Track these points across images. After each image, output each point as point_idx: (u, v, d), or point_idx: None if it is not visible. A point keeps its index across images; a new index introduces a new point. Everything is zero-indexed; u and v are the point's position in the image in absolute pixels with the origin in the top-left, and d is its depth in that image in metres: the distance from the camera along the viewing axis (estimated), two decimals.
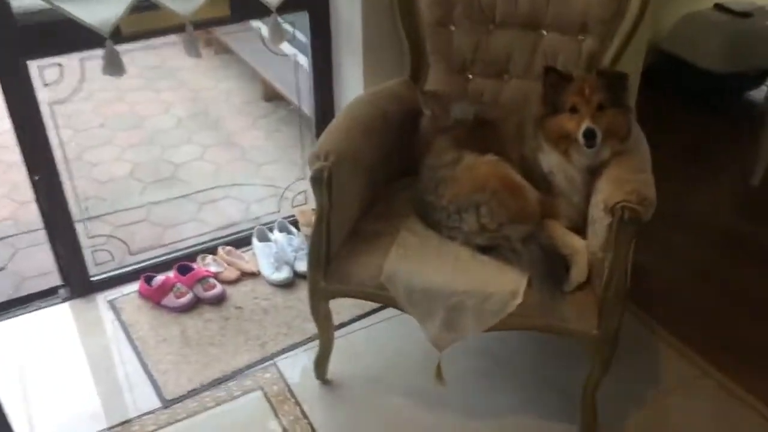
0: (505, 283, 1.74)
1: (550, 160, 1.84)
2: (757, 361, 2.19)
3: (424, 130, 2.15)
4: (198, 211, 2.99)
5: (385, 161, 2.05)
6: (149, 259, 2.52)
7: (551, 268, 1.72)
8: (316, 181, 1.77)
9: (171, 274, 2.39)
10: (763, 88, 3.79)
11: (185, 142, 3.68)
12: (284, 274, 2.42)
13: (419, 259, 1.82)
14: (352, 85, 2.41)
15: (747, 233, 2.75)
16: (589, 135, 1.72)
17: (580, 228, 1.84)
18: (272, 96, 4.02)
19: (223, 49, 4.55)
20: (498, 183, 1.80)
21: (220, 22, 2.23)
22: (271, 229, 2.61)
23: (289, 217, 2.71)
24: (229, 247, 2.55)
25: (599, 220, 1.69)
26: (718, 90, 3.72)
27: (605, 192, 1.69)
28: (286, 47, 2.57)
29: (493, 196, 1.79)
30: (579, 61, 2.11)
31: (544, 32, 2.16)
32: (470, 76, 2.24)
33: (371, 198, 2.04)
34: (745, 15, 3.62)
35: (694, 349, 2.21)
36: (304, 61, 2.62)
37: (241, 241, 2.63)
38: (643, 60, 2.51)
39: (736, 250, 2.67)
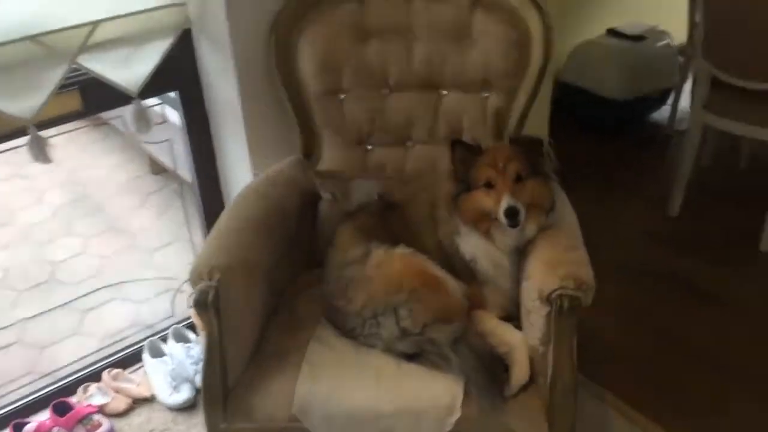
0: (439, 395, 1.49)
1: (470, 244, 1.62)
2: (684, 406, 2.05)
3: (324, 218, 1.90)
4: (80, 322, 2.60)
5: (286, 260, 1.78)
6: (20, 400, 2.11)
7: (488, 374, 1.48)
8: (200, 305, 1.48)
9: (46, 416, 2.01)
10: (666, 107, 3.75)
11: (64, 234, 3.27)
12: (184, 394, 2.07)
13: (336, 377, 1.55)
14: (239, 168, 2.13)
15: (674, 270, 2.63)
16: (511, 213, 1.51)
17: (513, 316, 1.63)
18: (160, 168, 3.66)
19: (101, 120, 4.16)
20: (415, 280, 1.56)
21: (72, 117, 1.90)
22: (164, 339, 2.27)
23: (185, 320, 2.37)
24: (115, 370, 2.18)
25: (535, 311, 1.47)
26: (622, 116, 3.66)
27: (538, 278, 1.48)
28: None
29: (411, 295, 1.54)
30: (485, 120, 1.92)
31: (444, 92, 1.95)
32: (369, 148, 2.00)
33: (274, 304, 1.76)
34: (639, 38, 3.59)
35: (640, 409, 2.04)
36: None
37: (131, 358, 2.26)
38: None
39: (667, 289, 2.54)
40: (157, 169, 3.69)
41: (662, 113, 3.81)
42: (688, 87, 3.58)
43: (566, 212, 1.69)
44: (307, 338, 1.64)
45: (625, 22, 3.69)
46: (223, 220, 1.70)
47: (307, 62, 1.91)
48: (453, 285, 1.59)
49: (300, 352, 1.60)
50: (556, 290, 1.42)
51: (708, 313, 2.40)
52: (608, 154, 3.52)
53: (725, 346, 2.26)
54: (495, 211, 1.54)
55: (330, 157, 1.99)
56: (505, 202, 1.52)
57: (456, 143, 1.61)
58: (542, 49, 1.84)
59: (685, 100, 3.63)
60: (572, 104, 3.67)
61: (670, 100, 3.72)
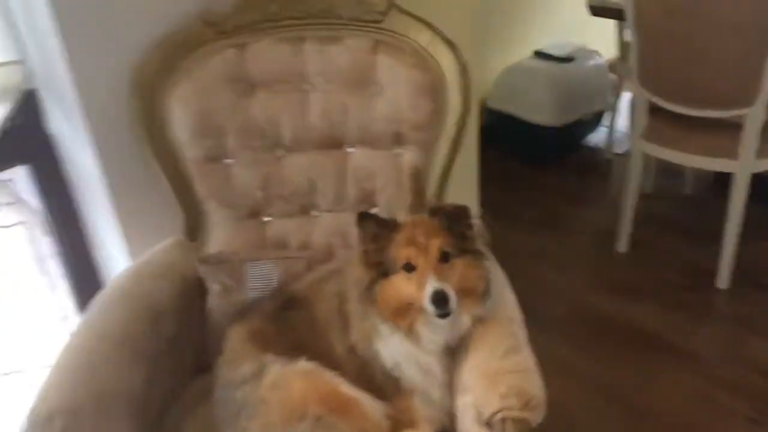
0: None
1: (392, 348, 1.30)
2: None
3: (214, 313, 1.54)
4: None
5: (164, 374, 1.43)
6: None
7: None
8: None
9: None
10: (602, 129, 3.54)
11: None
12: None
13: None
14: (116, 254, 1.76)
15: (628, 318, 2.36)
16: (439, 298, 1.20)
17: (448, 429, 1.31)
18: None
19: None
20: (320, 405, 1.23)
21: None
22: None
23: None
24: None
25: None
26: (556, 143, 3.42)
27: (475, 394, 1.18)
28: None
29: (317, 423, 1.21)
30: (401, 181, 1.61)
31: (351, 149, 1.64)
32: (266, 220, 1.67)
33: None
34: (567, 59, 3.37)
35: None
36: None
37: None
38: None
39: (622, 342, 2.27)
40: None
41: (598, 135, 3.59)
42: (622, 105, 3.38)
43: (505, 296, 1.39)
44: None
45: (553, 43, 3.47)
46: (75, 337, 1.33)
47: (181, 125, 1.57)
48: (370, 405, 1.26)
49: None
50: (497, 412, 1.11)
51: (667, 366, 2.14)
52: (547, 185, 3.27)
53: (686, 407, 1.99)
54: (419, 300, 1.23)
55: (219, 235, 1.64)
56: (430, 286, 1.20)
57: (364, 217, 1.29)
58: (460, 95, 1.54)
59: (620, 121, 3.43)
60: (503, 132, 3.41)
61: (605, 122, 3.51)
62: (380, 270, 1.28)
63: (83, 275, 1.84)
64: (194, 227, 1.65)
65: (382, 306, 1.27)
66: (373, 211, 1.63)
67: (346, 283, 1.36)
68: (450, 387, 1.29)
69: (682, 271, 2.55)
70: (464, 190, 2.20)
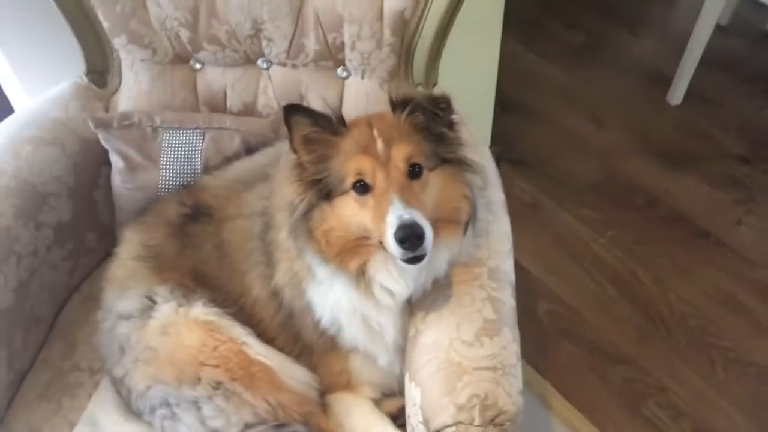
0: None
1: (331, 298, 0.94)
2: None
3: (119, 199, 1.19)
4: None
5: (44, 278, 1.11)
6: None
7: None
8: None
9: None
10: None
11: None
12: None
13: None
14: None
15: (669, 194, 1.95)
16: (409, 235, 0.81)
17: (395, 390, 1.01)
18: None
19: None
20: (220, 370, 0.91)
21: None
22: None
23: None
24: None
25: None
26: None
27: (425, 393, 0.85)
28: None
29: (215, 393, 0.91)
30: (380, 31, 1.13)
31: None
32: (198, 67, 1.23)
33: (40, 337, 1.13)
34: None
35: None
36: None
37: None
38: None
39: (657, 224, 1.90)
40: None
41: None
42: None
43: (494, 227, 1.00)
44: (74, 419, 1.03)
45: None
46: None
47: None
48: (289, 374, 0.94)
49: None
50: (449, 426, 0.79)
51: (699, 258, 1.79)
52: (596, 1, 2.63)
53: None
54: (376, 234, 0.85)
55: (132, 86, 1.23)
56: (394, 215, 0.82)
57: (292, 111, 0.87)
58: None
59: None
60: None
61: None
62: (320, 189, 0.89)
63: None
64: (101, 69, 1.23)
65: (321, 240, 0.89)
66: (342, 75, 1.18)
67: (274, 197, 0.97)
68: (403, 350, 0.96)
69: (741, 139, 2.07)
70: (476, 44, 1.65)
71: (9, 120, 1.16)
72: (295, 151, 0.89)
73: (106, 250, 1.19)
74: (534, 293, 1.77)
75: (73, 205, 1.16)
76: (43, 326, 1.15)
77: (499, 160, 1.83)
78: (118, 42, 1.19)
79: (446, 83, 1.19)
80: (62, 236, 1.15)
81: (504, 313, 0.90)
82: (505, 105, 1.98)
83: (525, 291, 1.60)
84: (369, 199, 0.85)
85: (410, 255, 0.82)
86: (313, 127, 0.87)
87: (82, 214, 1.18)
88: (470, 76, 1.59)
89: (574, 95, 2.23)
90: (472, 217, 0.92)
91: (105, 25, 1.17)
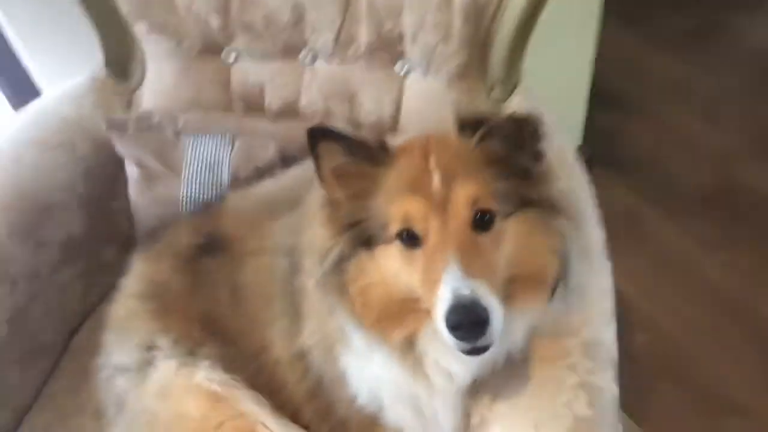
0: None
1: (370, 371, 0.74)
2: None
3: (138, 210, 1.02)
4: None
5: (46, 302, 0.97)
6: None
7: None
8: None
9: None
10: None
11: None
12: None
13: None
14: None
15: None
16: (466, 321, 0.59)
17: None
18: None
19: None
20: None
21: None
22: None
23: None
24: None
25: None
26: None
27: None
28: None
29: None
30: (448, 22, 0.90)
31: None
32: (232, 59, 1.04)
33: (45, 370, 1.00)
34: None
35: None
36: None
37: None
38: None
39: None
40: None
41: None
42: None
43: (593, 285, 0.77)
44: None
45: None
46: None
47: None
48: None
49: None
50: None
51: None
52: None
53: None
54: (426, 299, 0.63)
55: (156, 79, 1.05)
56: (448, 287, 0.60)
57: (321, 135, 0.66)
58: None
59: None
60: None
61: None
62: (357, 234, 0.67)
63: None
64: (120, 59, 1.06)
65: (357, 299, 0.68)
66: (401, 72, 0.96)
67: (305, 232, 0.76)
68: None
69: None
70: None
71: (18, 122, 1.01)
72: (324, 185, 0.67)
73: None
74: (630, 322, 1.52)
75: (85, 217, 1.01)
76: (49, 355, 1.01)
77: (591, 162, 1.61)
78: (139, 29, 1.01)
79: (530, 77, 0.96)
80: (72, 253, 1.00)
81: (603, 407, 0.67)
82: (601, 99, 1.72)
83: (618, 319, 1.38)
84: (419, 254, 0.64)
85: (467, 347, 0.61)
86: (347, 157, 0.65)
87: (96, 225, 1.03)
88: (559, 64, 1.34)
89: (684, 89, 1.95)
90: (562, 277, 0.69)
91: (124, 9, 1.00)
